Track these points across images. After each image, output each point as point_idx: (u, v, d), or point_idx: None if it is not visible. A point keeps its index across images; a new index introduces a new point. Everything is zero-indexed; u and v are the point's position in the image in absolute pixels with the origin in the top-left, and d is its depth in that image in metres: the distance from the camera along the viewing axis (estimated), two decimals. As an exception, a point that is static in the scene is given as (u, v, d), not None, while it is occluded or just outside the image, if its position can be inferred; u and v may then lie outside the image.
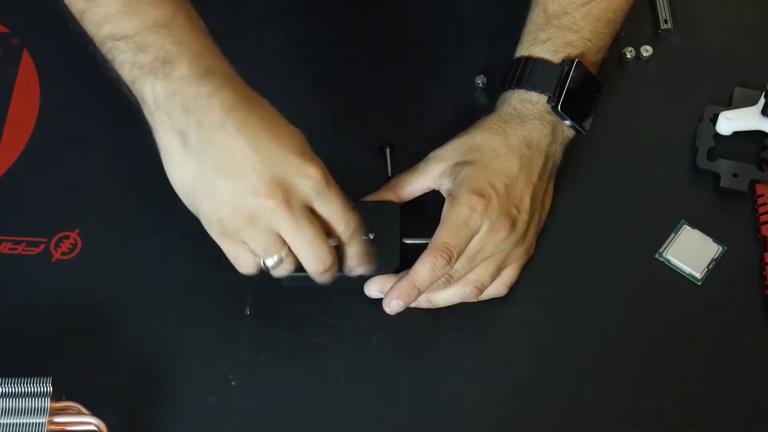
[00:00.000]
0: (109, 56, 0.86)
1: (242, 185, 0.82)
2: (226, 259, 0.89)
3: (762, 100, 1.00)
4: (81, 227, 0.98)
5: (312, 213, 0.85)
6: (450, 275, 0.92)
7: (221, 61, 0.85)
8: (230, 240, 0.86)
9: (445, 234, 0.91)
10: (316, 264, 0.86)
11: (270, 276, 0.94)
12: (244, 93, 0.84)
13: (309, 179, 0.84)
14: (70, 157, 1.01)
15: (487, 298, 0.95)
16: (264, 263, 0.86)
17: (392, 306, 0.92)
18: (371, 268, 0.91)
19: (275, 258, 0.86)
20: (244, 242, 0.85)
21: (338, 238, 0.87)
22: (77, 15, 0.88)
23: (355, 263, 0.89)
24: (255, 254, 0.86)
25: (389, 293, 0.92)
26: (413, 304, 0.94)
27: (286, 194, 0.83)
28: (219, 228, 0.85)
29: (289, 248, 0.86)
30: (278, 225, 0.84)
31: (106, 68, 0.87)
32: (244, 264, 0.87)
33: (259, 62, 1.06)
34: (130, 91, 0.86)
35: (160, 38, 0.84)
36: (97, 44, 0.87)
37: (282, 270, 0.87)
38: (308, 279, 0.95)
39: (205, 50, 0.85)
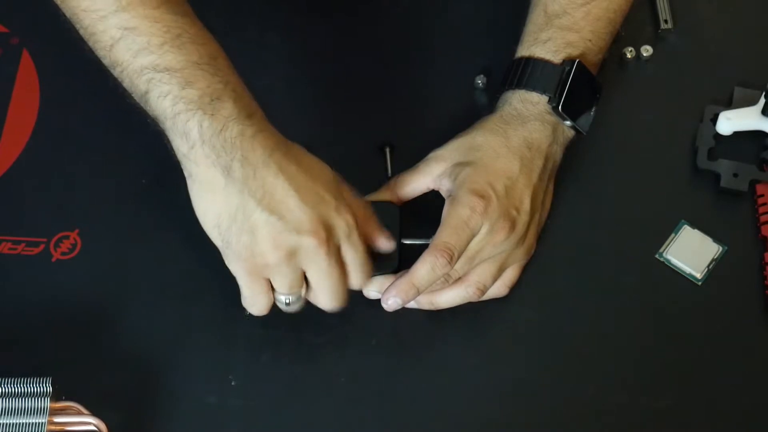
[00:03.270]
0: (144, 87, 0.86)
1: (285, 221, 0.85)
2: (249, 314, 0.91)
3: (762, 100, 1.00)
4: (81, 227, 0.98)
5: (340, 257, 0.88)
6: (449, 275, 0.92)
7: (257, 106, 0.88)
8: (254, 277, 0.88)
9: (445, 234, 0.91)
10: (332, 302, 0.90)
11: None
12: (278, 137, 0.87)
13: (344, 222, 0.87)
14: (70, 157, 1.01)
15: (488, 298, 0.95)
16: (284, 300, 0.89)
17: (390, 303, 0.92)
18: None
19: (295, 296, 0.89)
20: (267, 280, 0.88)
21: (352, 284, 0.90)
22: (108, 41, 0.87)
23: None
24: (274, 291, 0.89)
25: (388, 290, 0.92)
26: (415, 305, 0.94)
27: (327, 234, 0.86)
28: (249, 263, 0.87)
29: (307, 286, 0.89)
30: (312, 262, 0.87)
31: (125, 94, 0.88)
32: (260, 303, 0.90)
33: (259, 62, 1.06)
34: (158, 124, 0.87)
35: (207, 75, 0.85)
36: (129, 72, 0.87)
37: (295, 307, 0.90)
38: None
39: (245, 93, 0.87)
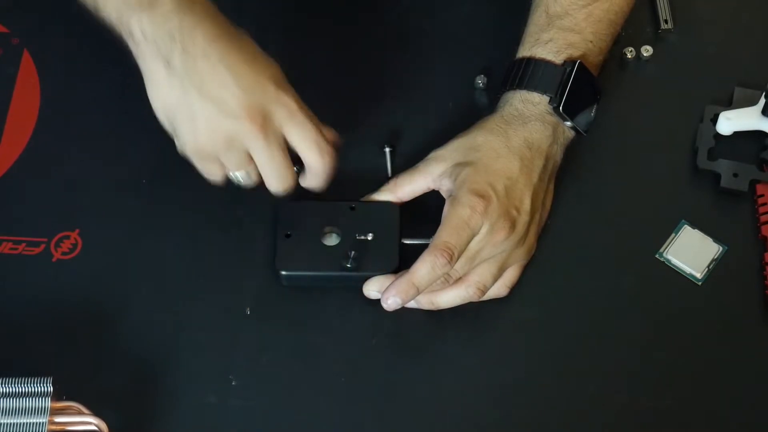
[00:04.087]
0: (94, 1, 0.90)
1: (222, 109, 0.87)
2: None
3: (762, 100, 1.00)
4: (81, 227, 0.98)
5: (284, 140, 0.90)
6: (449, 275, 0.92)
7: None
8: (203, 160, 0.91)
9: (446, 234, 0.91)
10: (278, 184, 0.91)
11: (270, 276, 0.94)
12: (225, 26, 0.89)
13: (284, 107, 0.89)
14: (70, 157, 1.01)
15: (488, 298, 0.95)
16: (233, 177, 0.91)
17: (390, 303, 0.92)
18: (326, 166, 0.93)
19: (245, 173, 0.91)
20: (217, 158, 0.90)
21: (309, 164, 0.91)
22: None
23: (316, 183, 0.93)
24: (225, 167, 0.91)
25: (388, 289, 0.92)
26: (415, 305, 0.94)
27: (262, 120, 0.88)
28: (194, 147, 0.90)
29: (255, 165, 0.91)
30: (252, 147, 0.89)
31: (88, 12, 0.90)
32: (215, 175, 0.92)
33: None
34: (115, 30, 0.90)
35: None
36: None
37: (247, 182, 0.92)
38: (308, 279, 0.95)
39: None
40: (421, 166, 0.96)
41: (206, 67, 0.87)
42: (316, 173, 0.92)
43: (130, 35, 0.88)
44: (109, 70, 1.02)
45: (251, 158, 0.90)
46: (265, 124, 0.88)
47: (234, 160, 0.90)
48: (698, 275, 0.97)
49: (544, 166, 0.96)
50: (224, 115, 0.87)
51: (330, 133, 0.92)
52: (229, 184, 0.92)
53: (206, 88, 0.87)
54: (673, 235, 0.98)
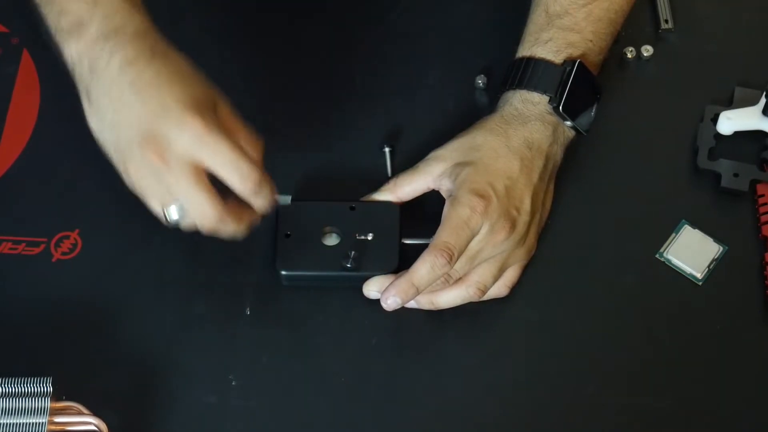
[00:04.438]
0: (45, 21, 0.88)
1: (127, 136, 0.84)
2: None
3: (763, 100, 1.00)
4: (81, 227, 0.98)
5: (202, 169, 0.83)
6: (449, 275, 0.92)
7: (134, 19, 0.86)
8: (137, 191, 0.86)
9: (445, 234, 0.91)
10: (201, 220, 0.85)
11: (270, 276, 0.94)
12: (146, 49, 0.85)
13: (186, 131, 0.82)
14: (70, 157, 1.01)
15: (488, 298, 0.95)
16: (168, 215, 0.86)
17: (389, 303, 0.92)
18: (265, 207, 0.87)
19: (175, 209, 0.85)
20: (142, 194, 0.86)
21: (236, 191, 0.84)
22: None
23: (262, 210, 0.87)
24: (156, 203, 0.86)
25: (387, 289, 0.92)
26: (415, 305, 0.94)
27: (159, 147, 0.82)
28: (127, 179, 0.86)
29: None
30: (157, 175, 0.84)
31: (48, 34, 0.90)
32: (159, 214, 0.87)
33: (258, 62, 1.06)
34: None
35: (77, 2, 0.86)
36: (37, 7, 0.89)
37: (182, 223, 0.86)
38: (308, 279, 0.95)
39: (115, 10, 0.86)
40: (421, 166, 0.96)
41: (116, 94, 0.84)
42: (247, 196, 0.84)
43: (67, 63, 0.87)
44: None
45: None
46: (163, 150, 0.82)
47: (155, 192, 0.84)
48: (698, 275, 0.97)
49: (544, 166, 0.95)
50: (129, 143, 0.83)
51: (253, 145, 0.85)
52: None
53: (115, 117, 0.84)
54: (673, 235, 0.98)
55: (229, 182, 0.83)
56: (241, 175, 0.83)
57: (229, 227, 0.86)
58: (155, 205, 0.86)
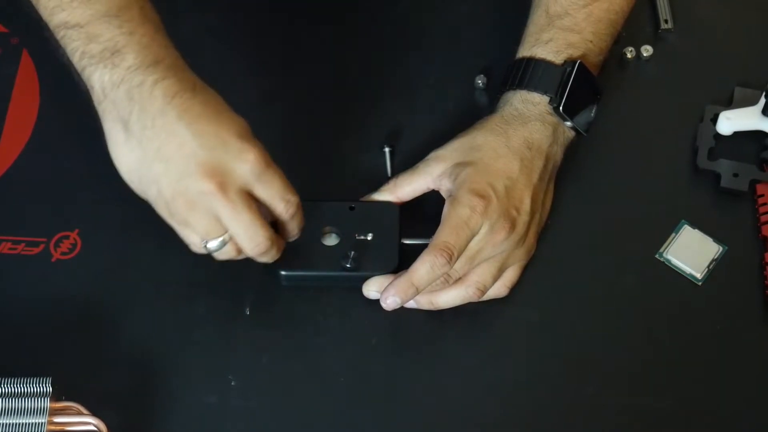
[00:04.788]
0: (62, 43, 0.87)
1: (179, 169, 0.83)
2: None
3: (762, 100, 1.00)
4: (81, 227, 0.98)
5: (252, 198, 0.86)
6: (448, 275, 0.92)
7: (169, 52, 0.86)
8: (177, 222, 0.87)
9: (445, 233, 0.91)
10: (253, 248, 0.87)
11: (269, 276, 0.94)
12: (188, 82, 0.85)
13: (247, 163, 0.84)
14: (70, 157, 1.01)
15: (488, 298, 0.95)
16: (207, 246, 0.87)
17: (389, 303, 0.92)
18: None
19: (218, 241, 0.87)
20: (187, 224, 0.86)
21: (278, 217, 0.88)
22: (34, 2, 0.89)
23: (292, 235, 0.91)
24: (199, 234, 0.87)
25: (387, 289, 0.92)
26: (415, 306, 0.94)
27: (221, 178, 0.84)
28: (167, 211, 0.86)
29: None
30: (215, 209, 0.85)
31: (59, 54, 0.88)
32: (194, 244, 0.88)
33: (258, 62, 1.06)
34: (81, 78, 0.87)
35: (110, 28, 0.85)
36: (51, 31, 0.88)
37: (225, 254, 0.88)
38: (308, 279, 0.95)
39: (153, 42, 0.86)
40: (421, 166, 0.96)
41: (164, 126, 0.83)
42: (287, 220, 0.88)
43: (92, 90, 0.86)
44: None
45: (221, 224, 0.86)
46: (225, 182, 0.83)
47: (202, 224, 0.85)
48: (698, 275, 0.97)
49: (544, 166, 0.96)
50: (183, 175, 0.83)
51: (294, 194, 0.88)
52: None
53: (164, 149, 0.83)
54: (673, 235, 0.98)
55: (275, 209, 0.87)
56: (287, 203, 0.87)
57: (273, 252, 0.89)
58: (194, 237, 0.87)
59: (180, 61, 0.86)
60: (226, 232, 0.86)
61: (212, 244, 0.87)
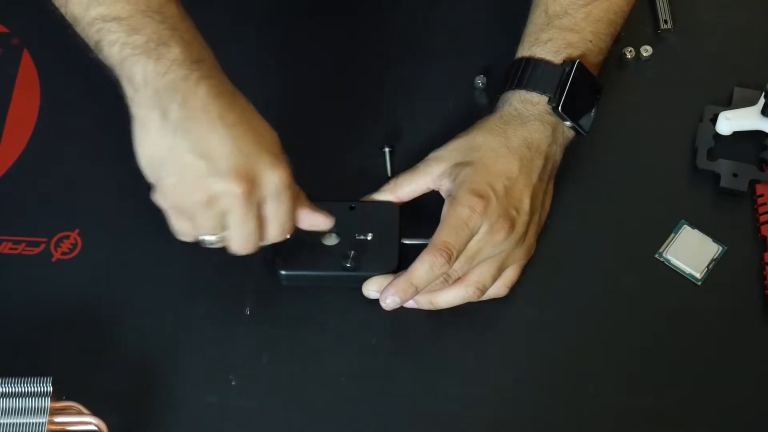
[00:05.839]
0: (96, 37, 0.87)
1: (213, 167, 0.84)
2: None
3: (762, 100, 1.00)
4: (81, 227, 0.98)
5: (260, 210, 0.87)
6: (448, 275, 0.92)
7: (209, 53, 0.88)
8: (178, 214, 0.88)
9: (445, 233, 0.91)
10: (240, 250, 0.89)
11: (270, 276, 0.94)
12: (228, 86, 0.87)
13: (275, 179, 0.86)
14: (70, 157, 1.01)
15: (488, 298, 0.95)
16: (204, 239, 0.89)
17: (388, 302, 0.92)
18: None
19: (215, 237, 0.88)
20: (193, 217, 0.87)
21: (269, 238, 0.89)
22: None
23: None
24: (197, 228, 0.88)
25: (386, 289, 0.92)
26: (414, 305, 0.94)
27: (251, 185, 0.85)
28: (174, 201, 0.87)
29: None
30: (230, 210, 0.86)
31: (86, 49, 0.88)
32: (185, 234, 0.89)
33: (258, 62, 1.06)
34: (113, 72, 0.87)
35: (153, 22, 0.86)
36: (83, 25, 0.88)
37: (215, 246, 0.89)
38: (308, 279, 0.95)
39: (195, 39, 0.87)
40: (421, 166, 0.96)
41: (204, 122, 0.84)
42: (274, 241, 0.90)
43: (129, 80, 0.86)
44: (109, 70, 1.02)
45: (224, 223, 0.87)
46: (252, 189, 0.85)
47: (210, 221, 0.87)
48: (698, 275, 0.97)
49: (544, 166, 0.96)
50: (214, 173, 0.84)
51: (293, 228, 0.91)
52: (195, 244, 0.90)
53: (200, 144, 0.84)
54: (672, 235, 0.99)
55: (271, 230, 0.88)
56: (282, 231, 0.89)
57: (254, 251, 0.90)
58: (190, 228, 0.88)
59: (218, 64, 0.88)
60: (224, 230, 0.87)
61: (210, 239, 0.88)
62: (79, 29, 0.89)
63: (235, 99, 0.86)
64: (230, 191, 0.84)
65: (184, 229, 0.88)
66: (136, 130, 0.86)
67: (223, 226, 0.87)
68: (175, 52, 0.85)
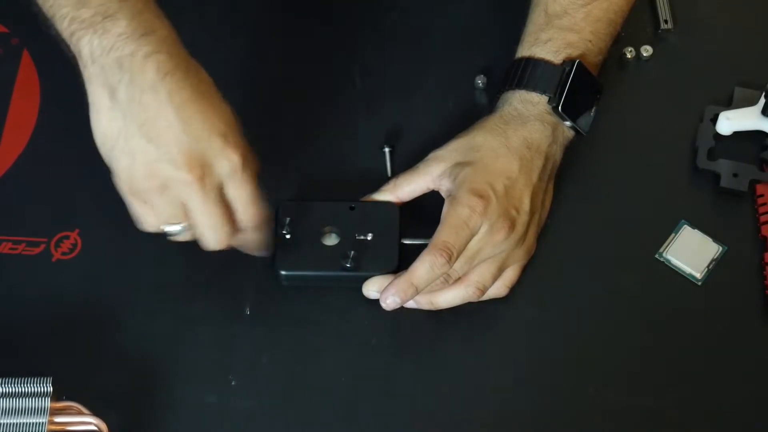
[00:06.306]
0: (50, 12, 0.86)
1: (161, 151, 0.83)
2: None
3: (762, 100, 1.00)
4: (81, 227, 0.98)
5: (221, 195, 0.86)
6: (448, 275, 0.92)
7: (163, 24, 0.85)
8: (137, 199, 0.86)
9: (445, 233, 0.91)
10: (212, 242, 0.88)
11: (270, 276, 0.94)
12: (181, 60, 0.85)
13: (228, 162, 0.84)
14: (70, 157, 1.01)
15: (488, 298, 0.95)
16: (165, 228, 0.88)
17: (388, 302, 0.92)
18: (266, 254, 0.92)
19: (178, 227, 0.87)
20: (150, 202, 0.86)
21: (241, 222, 0.88)
22: None
23: (250, 250, 0.92)
24: (158, 216, 0.87)
25: (387, 289, 0.92)
26: (414, 305, 0.94)
27: (202, 171, 0.83)
28: (129, 186, 0.86)
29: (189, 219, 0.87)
30: (187, 198, 0.85)
31: (47, 26, 0.88)
32: (147, 222, 0.88)
33: (258, 62, 1.06)
34: (68, 47, 0.86)
35: None
36: (40, 2, 0.87)
37: (180, 238, 0.88)
38: (308, 279, 0.95)
39: (146, 10, 0.85)
40: (421, 166, 0.96)
41: (152, 103, 0.82)
42: (249, 229, 0.89)
43: (79, 55, 0.85)
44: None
45: (185, 211, 0.86)
46: (204, 175, 0.83)
47: (166, 208, 0.86)
48: (698, 275, 0.97)
49: (544, 166, 0.96)
50: (163, 159, 0.83)
51: (259, 209, 0.88)
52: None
53: (148, 127, 0.82)
54: (672, 235, 0.98)
55: (241, 213, 0.87)
56: (253, 211, 0.87)
57: (224, 245, 0.89)
58: (151, 217, 0.87)
59: (173, 34, 0.85)
60: (186, 219, 0.86)
61: (172, 229, 0.87)
62: (40, 6, 0.88)
63: (187, 75, 0.84)
64: (181, 178, 0.83)
65: (144, 216, 0.87)
66: (90, 109, 0.85)
67: (181, 215, 0.86)
68: (121, 25, 0.83)
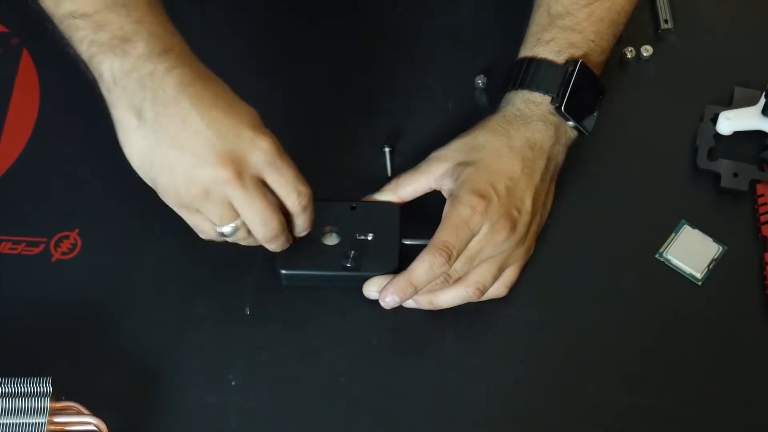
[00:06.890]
0: (67, 33, 0.88)
1: (195, 157, 0.84)
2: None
3: (762, 100, 1.00)
4: (81, 227, 0.98)
5: (264, 185, 0.87)
6: (448, 275, 0.92)
7: (178, 41, 0.87)
8: (188, 210, 0.88)
9: (445, 233, 0.91)
10: (265, 232, 0.88)
11: (270, 276, 0.94)
12: (199, 71, 0.86)
13: (261, 151, 0.85)
14: (70, 157, 1.01)
15: (488, 298, 0.95)
16: (221, 231, 0.88)
17: (387, 301, 0.92)
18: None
19: (231, 226, 0.88)
20: (200, 211, 0.87)
21: (290, 208, 0.89)
22: None
23: (302, 229, 0.92)
24: (211, 221, 0.88)
25: (386, 287, 0.92)
26: (414, 305, 0.94)
27: (238, 166, 0.84)
28: (176, 199, 0.87)
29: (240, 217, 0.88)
30: (230, 196, 0.86)
31: (64, 45, 0.88)
32: (204, 231, 0.89)
33: (258, 62, 1.06)
34: (87, 68, 0.87)
35: (119, 17, 0.86)
36: (56, 22, 0.88)
37: (238, 237, 0.89)
38: (308, 279, 0.95)
39: (162, 30, 0.87)
40: (423, 166, 0.96)
41: (178, 114, 0.84)
42: (298, 212, 0.89)
43: (100, 78, 0.86)
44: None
45: (235, 210, 0.87)
46: (241, 170, 0.85)
47: (215, 211, 0.87)
48: (698, 275, 0.97)
49: (546, 167, 0.95)
50: (198, 164, 0.84)
51: (306, 186, 0.89)
52: (225, 243, 0.90)
53: (179, 137, 0.84)
54: (673, 235, 0.99)
55: (286, 199, 0.88)
56: (298, 193, 0.88)
57: (282, 240, 0.90)
58: (206, 224, 0.88)
59: (188, 50, 0.87)
60: (238, 217, 0.87)
61: (226, 229, 0.88)
62: (56, 25, 0.89)
63: (208, 84, 0.86)
64: (219, 178, 0.84)
65: (199, 225, 0.89)
66: (119, 134, 0.86)
67: (232, 214, 0.87)
68: (139, 47, 0.85)
